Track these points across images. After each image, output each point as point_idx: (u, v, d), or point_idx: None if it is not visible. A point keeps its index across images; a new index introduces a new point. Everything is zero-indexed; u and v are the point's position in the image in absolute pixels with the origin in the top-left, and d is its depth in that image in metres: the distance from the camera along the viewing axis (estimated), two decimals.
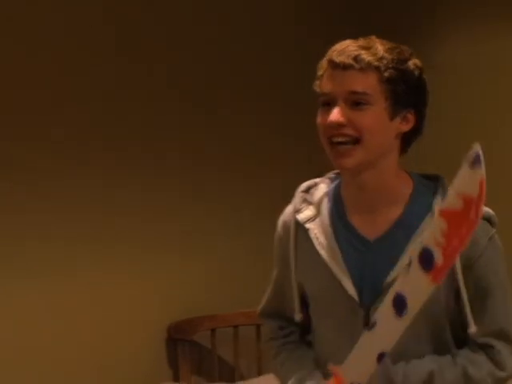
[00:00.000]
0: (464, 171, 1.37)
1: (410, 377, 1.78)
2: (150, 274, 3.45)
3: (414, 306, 1.52)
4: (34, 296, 3.13)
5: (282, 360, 2.04)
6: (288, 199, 2.11)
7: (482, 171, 1.38)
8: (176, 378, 3.51)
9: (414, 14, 3.81)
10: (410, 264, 1.53)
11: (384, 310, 1.58)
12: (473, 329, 1.84)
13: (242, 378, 3.59)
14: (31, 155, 3.13)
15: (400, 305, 1.53)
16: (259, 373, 3.59)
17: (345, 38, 1.92)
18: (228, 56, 3.64)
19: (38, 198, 3.15)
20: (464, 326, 1.86)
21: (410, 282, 1.52)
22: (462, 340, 1.88)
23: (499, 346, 1.83)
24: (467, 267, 1.85)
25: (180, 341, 3.48)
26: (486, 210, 1.88)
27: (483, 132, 3.59)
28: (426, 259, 1.47)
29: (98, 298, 3.32)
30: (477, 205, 1.38)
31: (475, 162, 1.36)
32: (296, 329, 2.06)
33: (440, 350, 1.89)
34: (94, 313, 3.31)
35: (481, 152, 1.35)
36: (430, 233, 1.47)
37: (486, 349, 1.83)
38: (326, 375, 1.83)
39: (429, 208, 1.89)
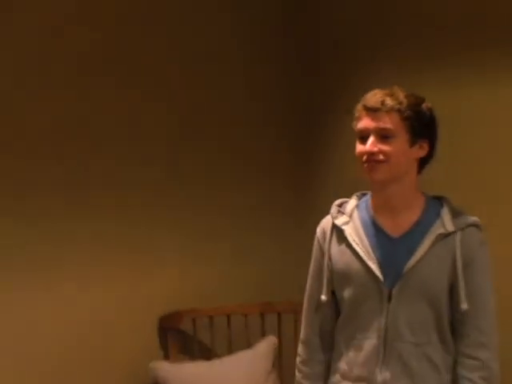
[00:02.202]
0: None
1: None
2: (144, 274, 3.65)
3: None
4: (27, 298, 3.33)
5: None
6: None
7: None
8: (166, 357, 3.70)
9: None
10: None
11: None
12: (464, 305, 2.15)
13: (217, 357, 3.74)
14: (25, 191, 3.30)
15: None
16: (229, 353, 3.73)
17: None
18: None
19: (17, 220, 3.30)
20: (456, 306, 2.16)
21: None
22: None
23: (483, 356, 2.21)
24: (464, 265, 2.18)
25: (169, 329, 3.68)
26: (475, 218, 2.23)
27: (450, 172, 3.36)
28: None
29: (99, 295, 3.51)
30: None
31: None
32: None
33: (441, 338, 2.22)
34: (95, 307, 3.51)
35: None
36: None
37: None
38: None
39: (437, 215, 2.25)
